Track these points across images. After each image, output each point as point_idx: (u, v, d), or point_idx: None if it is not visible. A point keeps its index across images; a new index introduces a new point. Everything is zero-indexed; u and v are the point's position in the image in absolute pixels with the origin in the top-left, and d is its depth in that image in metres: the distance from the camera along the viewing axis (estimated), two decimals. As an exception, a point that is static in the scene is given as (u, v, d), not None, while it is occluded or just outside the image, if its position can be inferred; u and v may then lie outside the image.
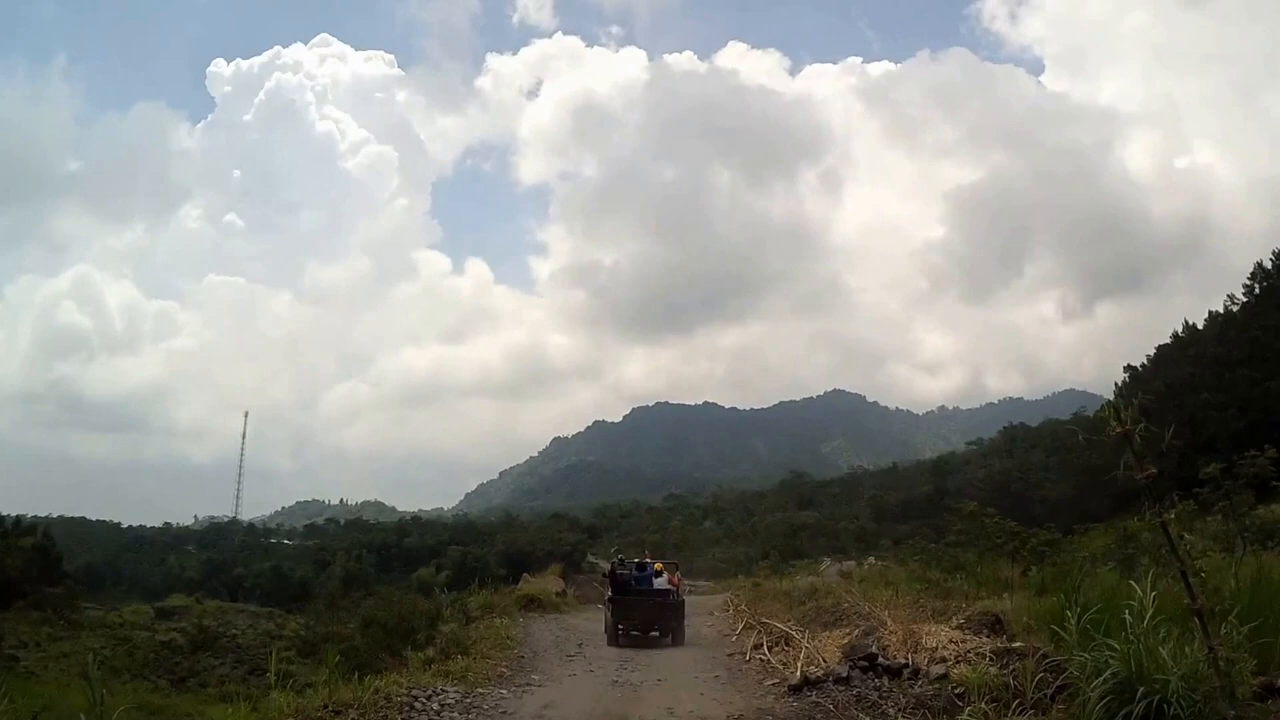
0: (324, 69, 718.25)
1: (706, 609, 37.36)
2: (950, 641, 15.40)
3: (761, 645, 20.91)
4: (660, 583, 26.86)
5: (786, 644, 20.21)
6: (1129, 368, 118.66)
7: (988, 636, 16.05)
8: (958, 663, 14.27)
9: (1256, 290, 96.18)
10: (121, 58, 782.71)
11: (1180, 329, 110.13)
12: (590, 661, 21.34)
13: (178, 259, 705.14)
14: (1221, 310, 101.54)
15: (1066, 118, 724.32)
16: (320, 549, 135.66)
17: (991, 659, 13.63)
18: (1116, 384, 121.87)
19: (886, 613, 19.32)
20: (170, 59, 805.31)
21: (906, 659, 15.20)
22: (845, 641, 18.30)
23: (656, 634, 25.35)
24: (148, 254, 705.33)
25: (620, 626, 25.15)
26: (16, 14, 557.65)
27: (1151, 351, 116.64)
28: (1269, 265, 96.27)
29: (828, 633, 20.16)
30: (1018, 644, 14.29)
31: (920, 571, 36.43)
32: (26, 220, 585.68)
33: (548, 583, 42.08)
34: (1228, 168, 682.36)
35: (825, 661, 16.94)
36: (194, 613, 72.03)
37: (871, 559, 74.33)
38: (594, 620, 30.70)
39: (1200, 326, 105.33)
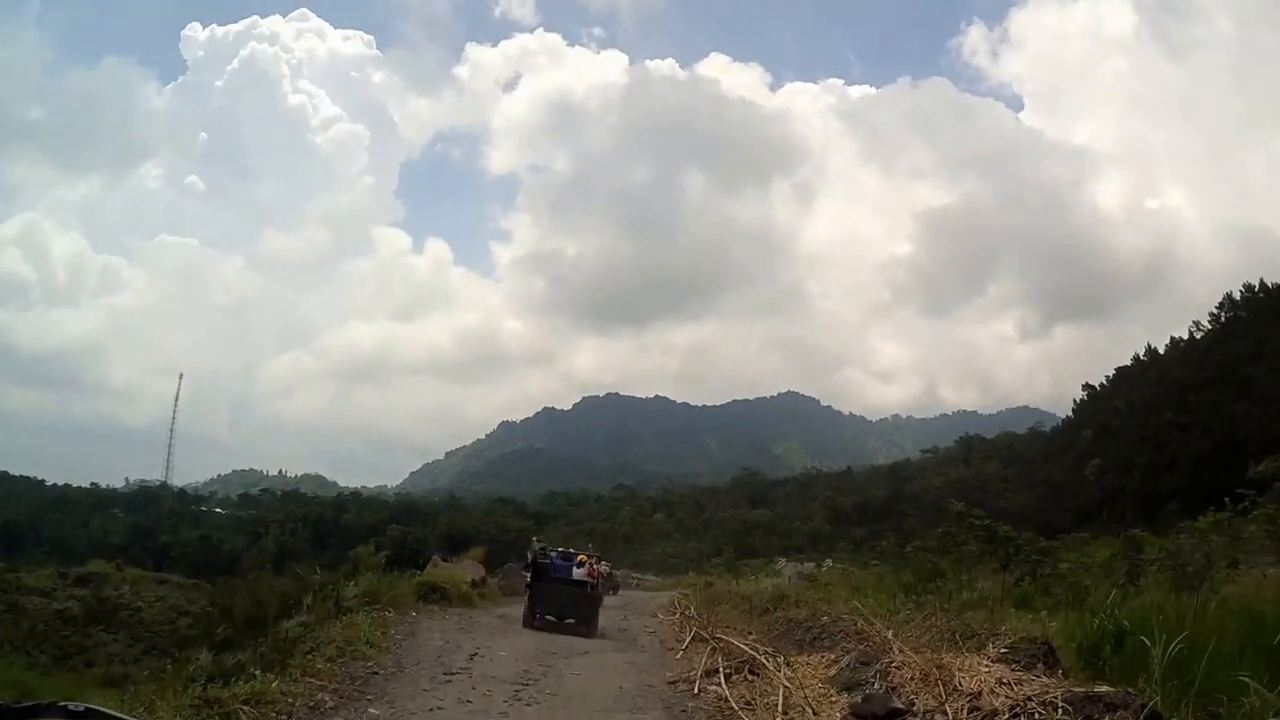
0: (301, 43, 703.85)
1: (649, 608, 33.76)
2: (999, 683, 10.22)
3: (717, 671, 14.80)
4: (580, 573, 27.10)
5: (751, 672, 14.48)
6: (1087, 386, 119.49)
7: (1045, 672, 11.01)
8: (1016, 718, 9.26)
9: (1223, 319, 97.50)
10: (97, 9, 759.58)
11: (1141, 353, 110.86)
12: (475, 681, 14.71)
13: (132, 216, 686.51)
14: (1185, 337, 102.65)
15: (1041, 153, 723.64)
16: (254, 520, 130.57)
17: (1066, 712, 8.91)
18: (1075, 400, 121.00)
19: (891, 632, 13.92)
20: (145, 17, 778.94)
21: (943, 709, 10.03)
22: (834, 672, 13.23)
23: (571, 622, 25.22)
24: (101, 208, 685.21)
25: (536, 611, 25.63)
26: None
27: (1108, 373, 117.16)
28: (1237, 297, 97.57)
29: (806, 657, 15.01)
30: (1103, 687, 9.45)
31: (890, 576, 32.39)
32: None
33: (463, 569, 35.29)
34: (1196, 212, 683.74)
35: (814, 710, 11.48)
36: (112, 581, 66.07)
37: (829, 561, 71.65)
38: (510, 618, 25.91)
39: (1162, 351, 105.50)
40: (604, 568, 50.16)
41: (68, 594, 58.15)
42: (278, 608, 20.17)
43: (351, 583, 23.80)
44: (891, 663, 12.07)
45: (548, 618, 25.45)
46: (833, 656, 14.44)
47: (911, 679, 11.18)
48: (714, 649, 16.44)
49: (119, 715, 3.00)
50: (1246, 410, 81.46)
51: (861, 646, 14.14)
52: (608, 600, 38.16)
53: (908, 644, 12.82)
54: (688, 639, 19.55)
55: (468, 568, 35.81)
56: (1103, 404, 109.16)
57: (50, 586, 60.76)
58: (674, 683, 15.11)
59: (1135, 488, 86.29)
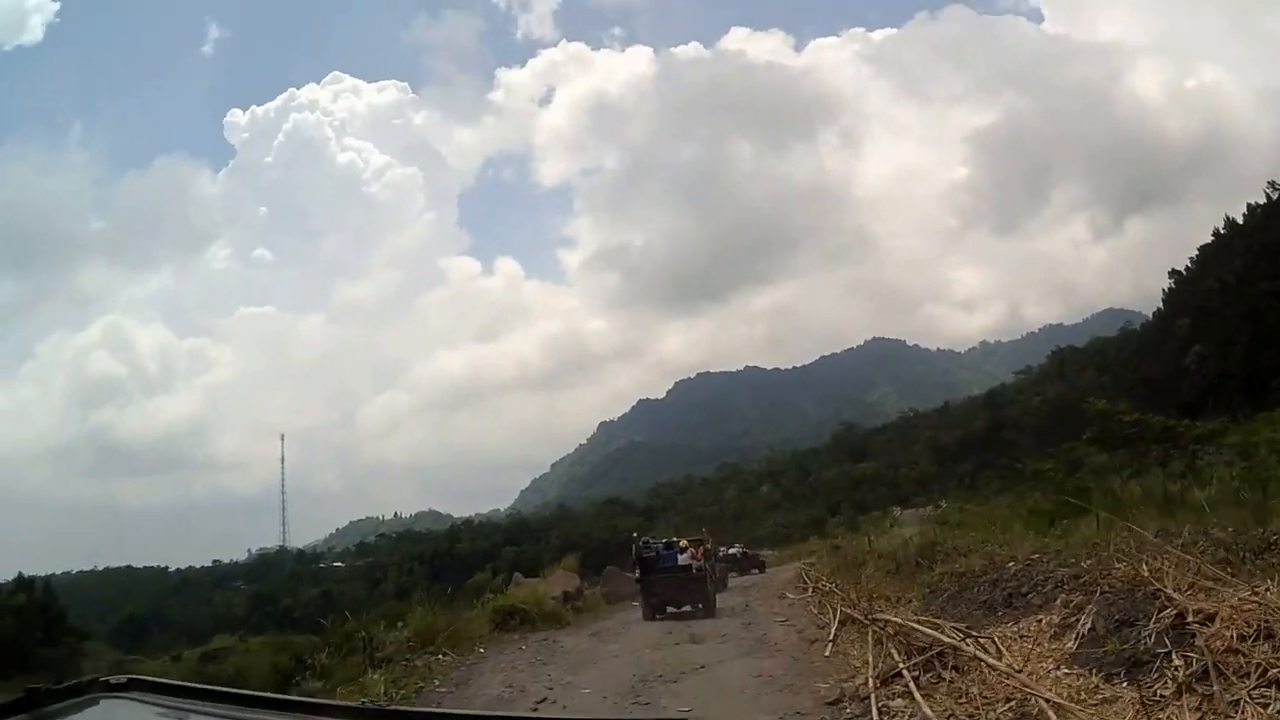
0: (339, 104, 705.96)
1: (774, 586, 30.19)
2: None
3: (898, 675, 9.24)
4: (684, 559, 27.09)
5: (954, 669, 8.91)
6: (1174, 273, 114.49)
7: None
8: None
9: None
10: (136, 119, 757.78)
11: (1220, 227, 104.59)
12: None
13: (208, 298, 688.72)
14: (1264, 200, 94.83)
15: (1071, 56, 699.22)
16: (372, 567, 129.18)
17: None
18: (1164, 290, 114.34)
19: (1144, 566, 8.73)
20: (184, 114, 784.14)
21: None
22: (1074, 646, 8.33)
23: (688, 608, 25.38)
24: (177, 296, 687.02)
25: (651, 602, 25.72)
26: (27, 88, 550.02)
27: (1190, 256, 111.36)
28: None
29: (1012, 626, 10.09)
30: None
31: (1034, 505, 27.62)
32: (52, 281, 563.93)
33: (551, 584, 30.28)
34: (1235, 83, 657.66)
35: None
36: (236, 652, 63.29)
37: (943, 503, 66.98)
38: (606, 634, 20.85)
39: (1241, 221, 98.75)
40: (736, 550, 54.81)
41: (179, 675, 55.35)
42: (285, 673, 15.58)
43: (398, 625, 18.65)
44: (1182, 617, 7.15)
45: (668, 609, 25.42)
46: (1055, 620, 9.44)
47: (1241, 639, 6.32)
48: (879, 637, 10.99)
49: (162, 680, 2.91)
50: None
51: (1097, 596, 9.18)
52: (737, 581, 39.01)
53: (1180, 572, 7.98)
54: (834, 623, 14.15)
55: (558, 580, 30.98)
56: (1194, 287, 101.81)
57: (164, 671, 58.33)
58: (835, 702, 9.53)
59: (1238, 369, 79.53)
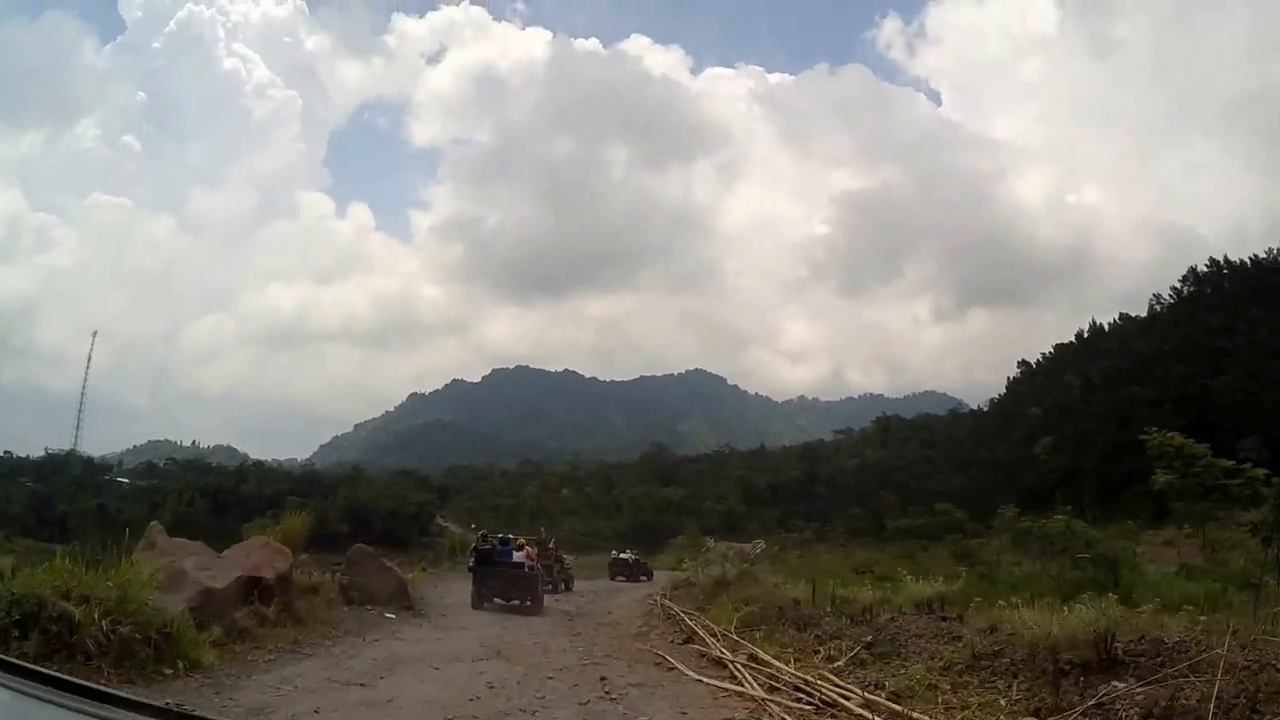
0: (236, 5, 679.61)
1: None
2: None
3: None
4: (519, 557, 27.91)
5: None
6: (1023, 363, 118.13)
7: None
8: None
9: (1184, 293, 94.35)
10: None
11: (1061, 339, 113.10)
12: None
13: (67, 173, 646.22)
14: (1148, 312, 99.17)
15: (961, 144, 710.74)
16: (154, 490, 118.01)
17: None
18: (1009, 377, 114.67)
19: None
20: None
21: None
22: None
23: (516, 602, 26.29)
24: (39, 165, 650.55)
25: (482, 592, 26.57)
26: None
27: (1028, 356, 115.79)
28: (1202, 270, 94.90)
29: None
30: None
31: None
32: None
33: (231, 559, 15.76)
34: (1114, 209, 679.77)
35: None
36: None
37: (760, 542, 60.38)
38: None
39: (1106, 328, 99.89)
40: (629, 556, 54.33)
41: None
42: None
43: None
44: None
45: (496, 600, 26.37)
46: None
47: None
48: None
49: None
50: (1222, 385, 71.52)
51: None
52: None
53: None
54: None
55: (248, 554, 16.74)
56: (1045, 380, 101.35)
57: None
58: None
59: (1094, 468, 75.82)
